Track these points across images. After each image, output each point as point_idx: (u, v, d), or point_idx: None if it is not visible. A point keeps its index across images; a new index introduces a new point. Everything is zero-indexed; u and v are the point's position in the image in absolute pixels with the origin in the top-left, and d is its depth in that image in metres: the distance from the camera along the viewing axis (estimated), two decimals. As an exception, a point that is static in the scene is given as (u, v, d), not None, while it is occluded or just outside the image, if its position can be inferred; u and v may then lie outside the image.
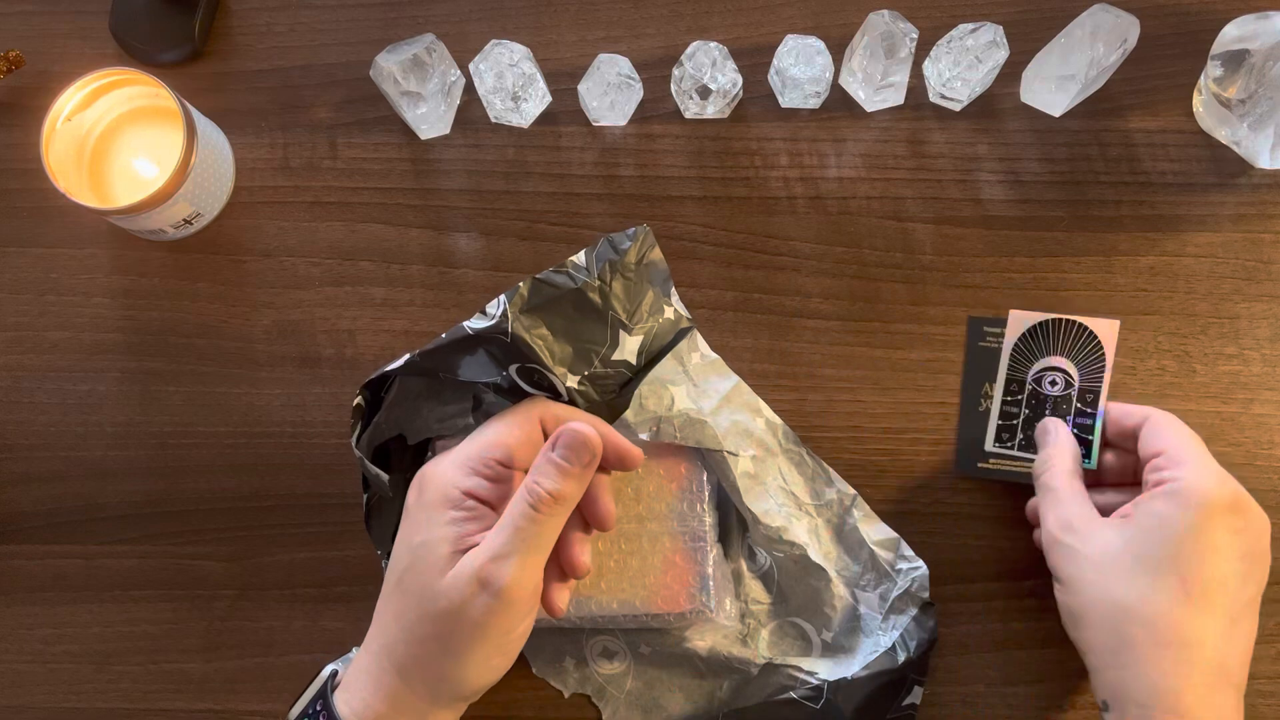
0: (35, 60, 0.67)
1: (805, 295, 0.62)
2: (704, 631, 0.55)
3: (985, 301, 0.62)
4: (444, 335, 0.50)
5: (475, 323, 0.49)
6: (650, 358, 0.51)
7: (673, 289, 0.53)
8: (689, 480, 0.54)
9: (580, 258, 0.50)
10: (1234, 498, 0.48)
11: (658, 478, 0.54)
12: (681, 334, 0.53)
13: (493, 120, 0.65)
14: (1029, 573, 0.60)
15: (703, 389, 0.56)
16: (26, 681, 0.61)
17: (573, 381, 0.49)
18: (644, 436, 0.52)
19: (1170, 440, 0.50)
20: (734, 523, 0.58)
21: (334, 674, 0.49)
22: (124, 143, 0.63)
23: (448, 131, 0.65)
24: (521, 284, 0.49)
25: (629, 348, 0.50)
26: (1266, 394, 0.60)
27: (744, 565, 0.57)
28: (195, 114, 0.61)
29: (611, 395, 0.50)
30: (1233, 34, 0.59)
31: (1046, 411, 0.60)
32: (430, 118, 0.64)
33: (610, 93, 0.62)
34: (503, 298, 0.48)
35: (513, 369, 0.49)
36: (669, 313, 0.52)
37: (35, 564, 0.62)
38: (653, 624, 0.54)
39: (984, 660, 0.59)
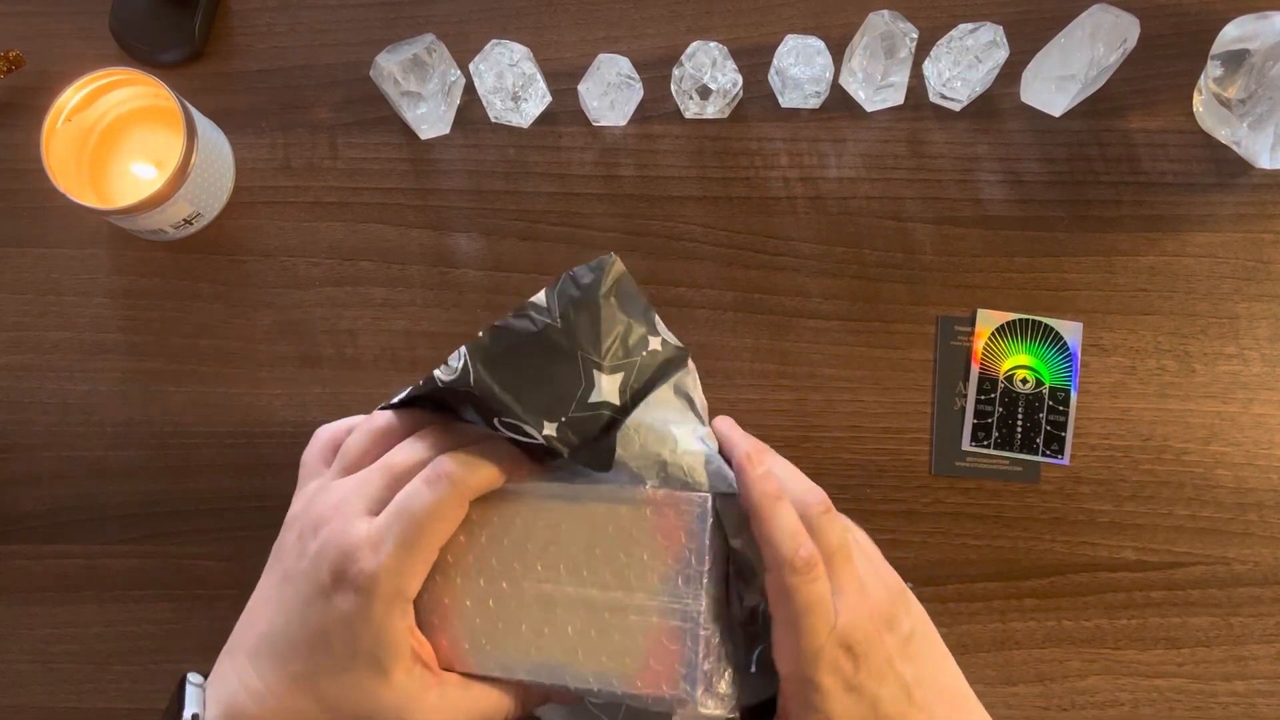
0: (35, 60, 0.67)
1: (805, 295, 0.62)
2: (688, 716, 0.48)
3: (985, 302, 0.62)
4: (421, 382, 0.46)
5: (442, 374, 0.45)
6: (637, 396, 0.46)
7: (656, 318, 0.48)
8: (688, 551, 0.45)
9: (540, 297, 0.46)
10: (834, 665, 0.44)
11: (654, 543, 0.46)
12: (673, 365, 0.47)
13: (493, 120, 0.65)
14: (1029, 573, 0.60)
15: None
16: (27, 681, 0.61)
17: (550, 429, 0.44)
18: (651, 483, 0.46)
19: (784, 597, 0.44)
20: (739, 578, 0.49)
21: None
22: (124, 143, 0.63)
23: (448, 131, 0.65)
24: (482, 332, 0.45)
25: (607, 388, 0.45)
26: (1266, 394, 0.60)
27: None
28: (195, 114, 0.61)
29: (594, 438, 0.45)
30: (1233, 34, 0.59)
31: (1020, 410, 0.60)
32: (430, 118, 0.64)
33: (610, 93, 0.62)
34: (464, 349, 0.45)
35: (496, 420, 0.45)
36: (654, 344, 0.47)
37: (36, 564, 0.62)
38: (630, 703, 0.48)
39: (984, 660, 0.59)
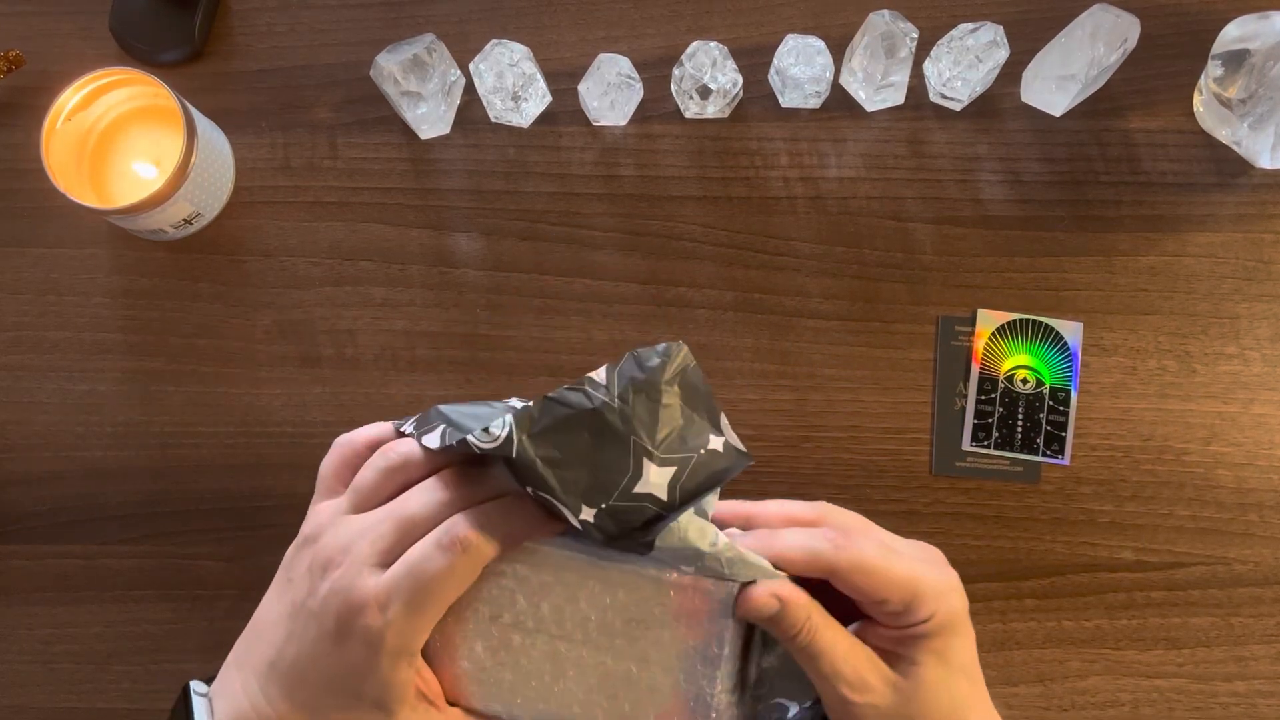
0: (35, 60, 0.67)
1: (805, 295, 0.62)
2: None
3: (985, 302, 0.62)
4: (453, 442, 0.43)
5: (481, 440, 0.42)
6: (688, 495, 0.44)
7: (723, 418, 0.45)
8: (710, 636, 0.44)
9: (600, 374, 0.43)
10: (956, 586, 0.44)
11: (676, 625, 0.44)
12: (730, 472, 0.44)
13: (493, 120, 0.65)
14: (1029, 573, 0.60)
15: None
16: (27, 681, 0.61)
17: (588, 514, 0.42)
18: (688, 569, 0.44)
19: (877, 574, 0.43)
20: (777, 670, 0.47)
21: None
22: (124, 143, 0.63)
23: (448, 131, 0.65)
24: (532, 403, 0.43)
25: (655, 480, 0.43)
26: (1266, 394, 0.60)
27: None
28: (195, 114, 0.61)
29: (633, 530, 0.43)
30: (1233, 34, 0.59)
31: (1020, 410, 0.60)
32: (430, 118, 0.64)
33: (610, 92, 0.62)
34: (509, 417, 0.42)
35: (529, 489, 0.43)
36: (715, 443, 0.44)
37: (35, 564, 0.62)
38: None
39: (984, 660, 0.59)
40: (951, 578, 0.44)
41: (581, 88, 0.63)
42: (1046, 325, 0.61)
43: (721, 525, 0.45)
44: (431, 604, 0.42)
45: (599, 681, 0.45)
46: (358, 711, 0.43)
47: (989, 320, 0.61)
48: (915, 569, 0.43)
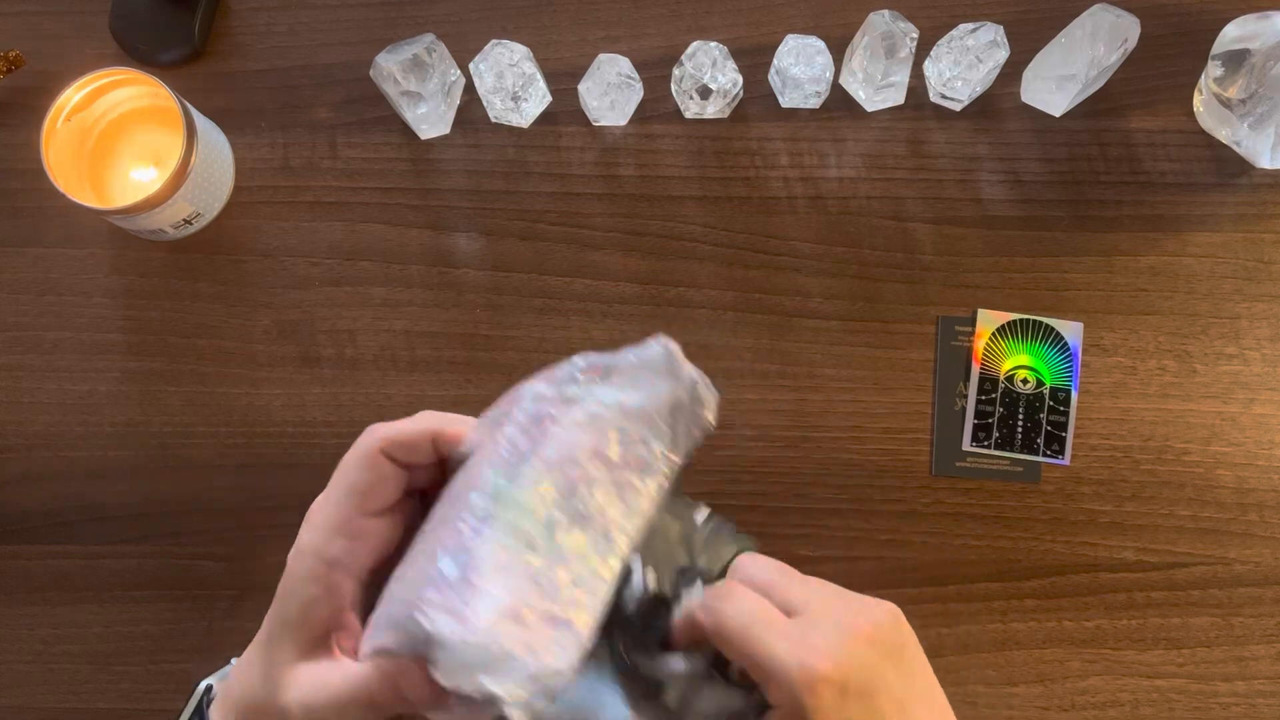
0: (35, 60, 0.67)
1: (805, 295, 0.62)
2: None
3: (985, 302, 0.62)
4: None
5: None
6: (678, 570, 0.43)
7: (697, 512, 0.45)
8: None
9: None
10: (828, 678, 0.36)
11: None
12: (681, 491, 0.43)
13: (493, 120, 0.65)
14: (1029, 573, 0.60)
15: None
16: (26, 681, 0.61)
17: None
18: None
19: (734, 643, 0.39)
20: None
21: (209, 689, 0.45)
22: (124, 143, 0.63)
23: (448, 131, 0.65)
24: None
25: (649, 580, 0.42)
26: (1267, 394, 0.60)
27: None
28: (195, 114, 0.61)
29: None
30: (1233, 34, 0.59)
31: (1020, 410, 0.60)
32: (430, 118, 0.64)
33: (610, 93, 0.62)
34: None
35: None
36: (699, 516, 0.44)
37: (35, 564, 0.62)
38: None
39: (984, 660, 0.59)
40: (828, 668, 0.37)
41: (581, 88, 0.63)
42: (1046, 325, 0.61)
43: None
44: (335, 487, 0.41)
45: None
46: (282, 647, 0.41)
47: (989, 320, 0.61)
48: (776, 649, 0.38)
